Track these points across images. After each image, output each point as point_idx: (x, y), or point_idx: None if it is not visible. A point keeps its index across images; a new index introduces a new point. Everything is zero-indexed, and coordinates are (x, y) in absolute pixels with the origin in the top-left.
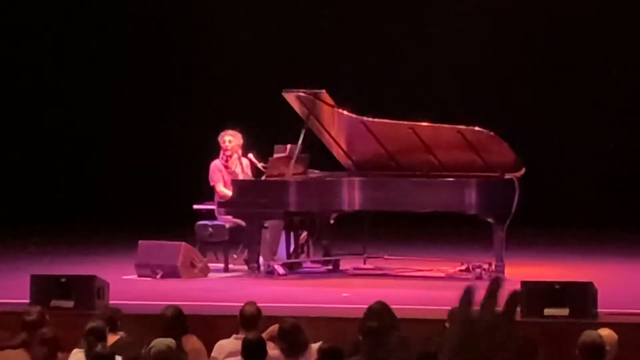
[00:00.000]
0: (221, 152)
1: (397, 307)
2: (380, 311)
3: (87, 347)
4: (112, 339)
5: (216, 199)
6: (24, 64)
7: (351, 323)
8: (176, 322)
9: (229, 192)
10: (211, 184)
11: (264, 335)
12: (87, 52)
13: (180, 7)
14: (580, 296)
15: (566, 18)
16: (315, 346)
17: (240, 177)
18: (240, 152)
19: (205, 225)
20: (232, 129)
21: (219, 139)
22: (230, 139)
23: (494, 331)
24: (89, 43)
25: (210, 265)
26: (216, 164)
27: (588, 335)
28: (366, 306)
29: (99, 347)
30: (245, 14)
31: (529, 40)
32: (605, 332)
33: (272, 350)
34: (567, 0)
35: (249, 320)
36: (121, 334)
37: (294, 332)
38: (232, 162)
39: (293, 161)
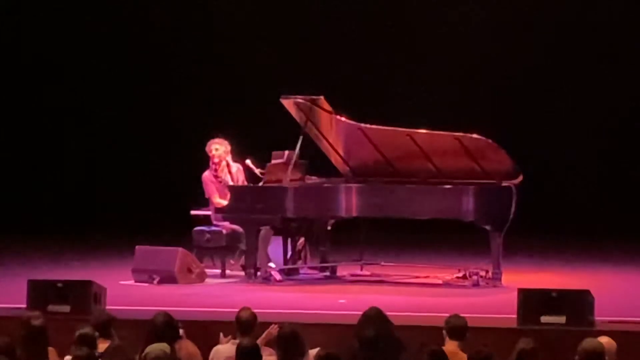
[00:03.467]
0: (210, 162)
1: (393, 314)
2: (375, 317)
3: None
4: (104, 344)
5: (212, 206)
6: (24, 63)
7: (348, 329)
8: (166, 328)
9: (225, 202)
10: (207, 196)
11: (260, 340)
12: (87, 53)
13: (178, 8)
14: (577, 304)
15: (566, 20)
16: (312, 352)
17: (231, 183)
18: (229, 158)
19: (203, 230)
20: (219, 137)
21: (206, 148)
22: (217, 147)
23: None
24: (88, 44)
25: (207, 270)
26: (207, 176)
27: (588, 342)
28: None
29: (82, 350)
30: (245, 18)
31: (527, 47)
32: (604, 339)
33: (269, 356)
34: (566, 2)
35: (245, 325)
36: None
37: (292, 337)
38: (220, 170)
39: (291, 167)
